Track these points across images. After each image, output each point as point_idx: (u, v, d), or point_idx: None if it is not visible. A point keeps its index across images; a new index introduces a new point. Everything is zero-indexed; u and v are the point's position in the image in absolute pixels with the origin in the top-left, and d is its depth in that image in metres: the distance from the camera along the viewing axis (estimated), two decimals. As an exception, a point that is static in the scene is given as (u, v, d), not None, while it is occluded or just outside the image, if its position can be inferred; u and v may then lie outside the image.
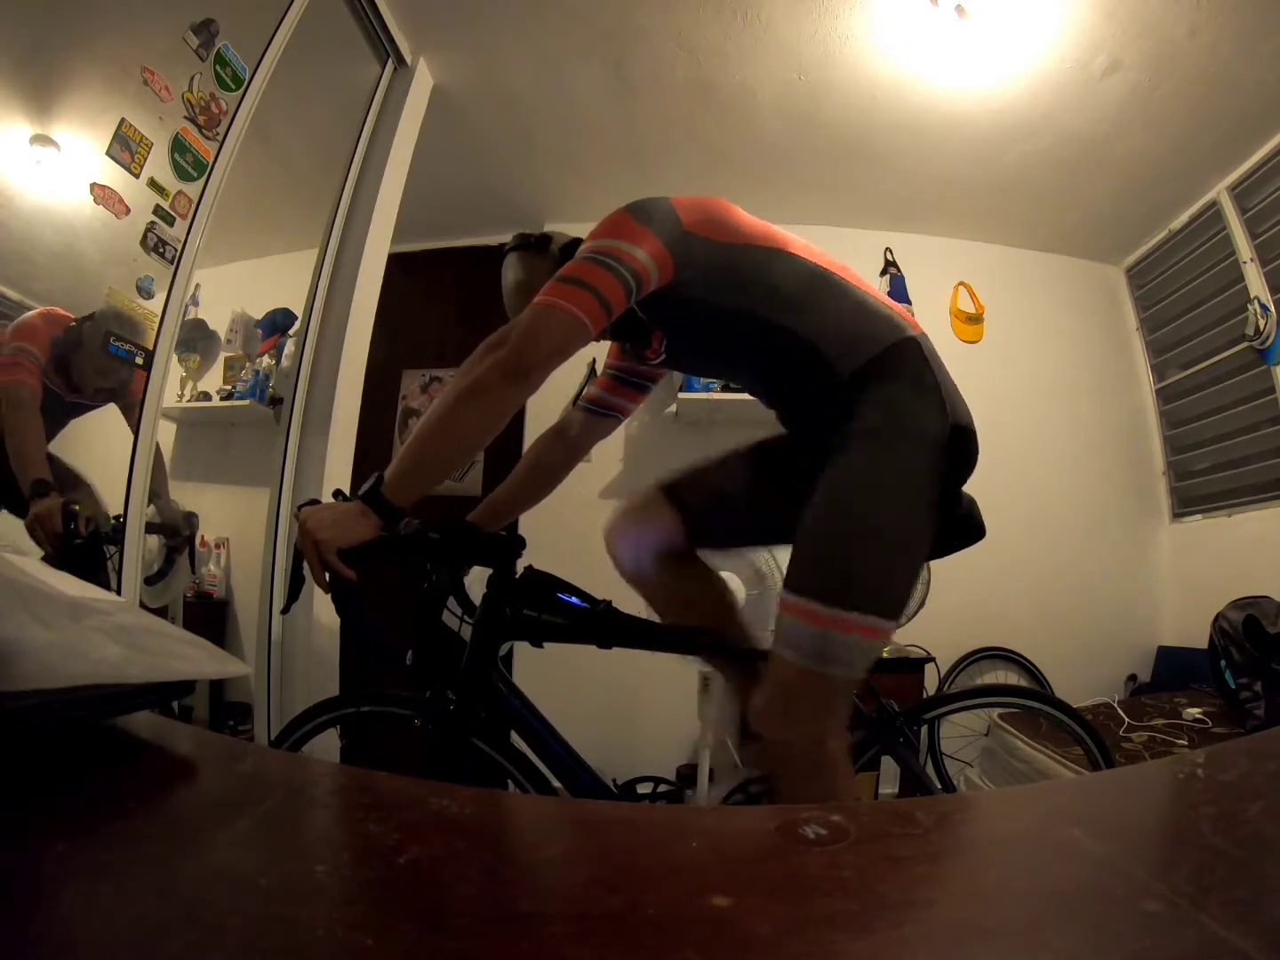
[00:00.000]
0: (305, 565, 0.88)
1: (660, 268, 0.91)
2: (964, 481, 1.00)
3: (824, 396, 0.94)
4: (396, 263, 2.19)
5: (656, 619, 1.20)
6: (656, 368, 1.17)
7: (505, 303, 1.16)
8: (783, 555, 0.96)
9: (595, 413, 1.22)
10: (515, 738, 1.08)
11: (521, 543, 1.10)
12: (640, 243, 0.90)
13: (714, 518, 1.11)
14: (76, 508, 1.28)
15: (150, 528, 1.57)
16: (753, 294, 0.95)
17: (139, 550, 1.45)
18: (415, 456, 0.88)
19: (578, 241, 1.10)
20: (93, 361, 1.38)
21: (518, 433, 2.66)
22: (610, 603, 1.06)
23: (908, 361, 0.93)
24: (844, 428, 0.90)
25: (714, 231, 0.96)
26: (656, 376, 1.22)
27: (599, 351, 2.60)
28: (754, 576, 1.75)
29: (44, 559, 1.21)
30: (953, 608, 2.42)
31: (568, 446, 1.24)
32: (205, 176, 1.55)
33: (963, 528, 1.01)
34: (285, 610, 0.99)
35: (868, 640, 0.84)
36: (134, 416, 1.47)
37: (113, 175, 1.37)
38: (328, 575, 0.86)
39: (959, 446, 0.93)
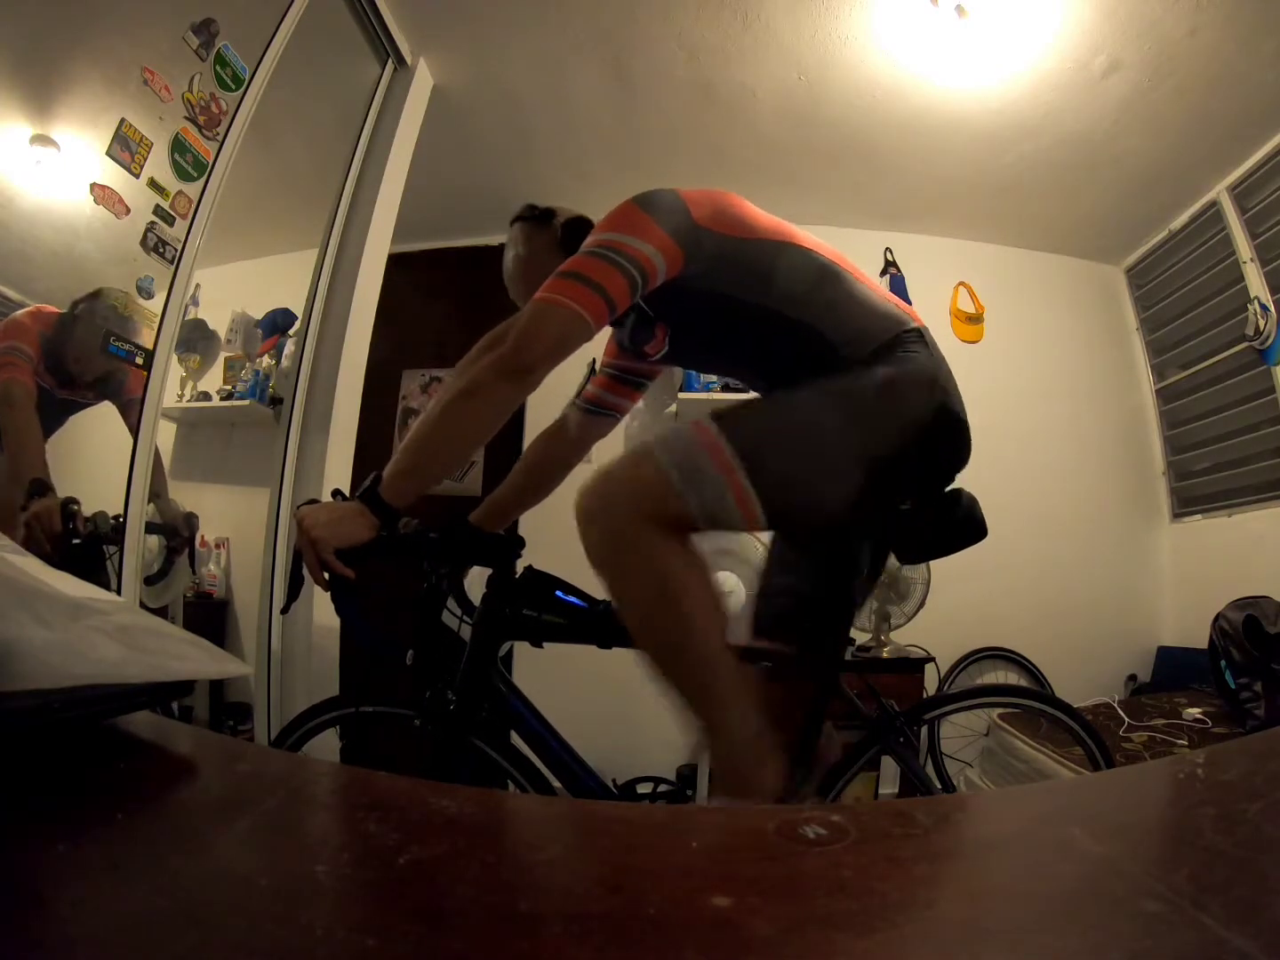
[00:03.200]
0: (304, 565, 0.88)
1: (668, 261, 0.90)
2: (955, 472, 1.00)
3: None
4: (396, 263, 2.19)
5: None
6: (656, 363, 1.16)
7: (504, 272, 1.15)
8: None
9: (593, 412, 1.22)
10: (515, 738, 1.08)
11: (521, 543, 1.10)
12: (647, 236, 0.88)
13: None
14: (75, 507, 1.28)
15: (150, 528, 1.57)
16: (762, 287, 0.94)
17: (139, 550, 1.45)
18: (413, 457, 0.88)
19: (580, 220, 1.09)
20: (85, 348, 1.38)
21: (518, 433, 2.66)
22: (610, 602, 1.06)
23: (909, 346, 0.93)
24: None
25: (723, 225, 0.94)
26: (654, 374, 1.22)
27: (598, 351, 2.61)
28: (754, 576, 1.75)
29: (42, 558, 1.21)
30: (953, 608, 2.42)
31: (566, 446, 1.23)
32: (205, 176, 1.55)
33: (964, 527, 1.00)
34: (285, 610, 0.99)
35: (729, 493, 0.80)
36: (133, 416, 1.47)
37: (113, 175, 1.37)
38: (326, 575, 0.86)
39: (946, 429, 0.93)
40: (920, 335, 0.95)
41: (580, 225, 1.08)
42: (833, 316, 0.94)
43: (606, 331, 1.20)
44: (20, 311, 1.31)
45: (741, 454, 0.81)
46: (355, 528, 0.86)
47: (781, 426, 0.88)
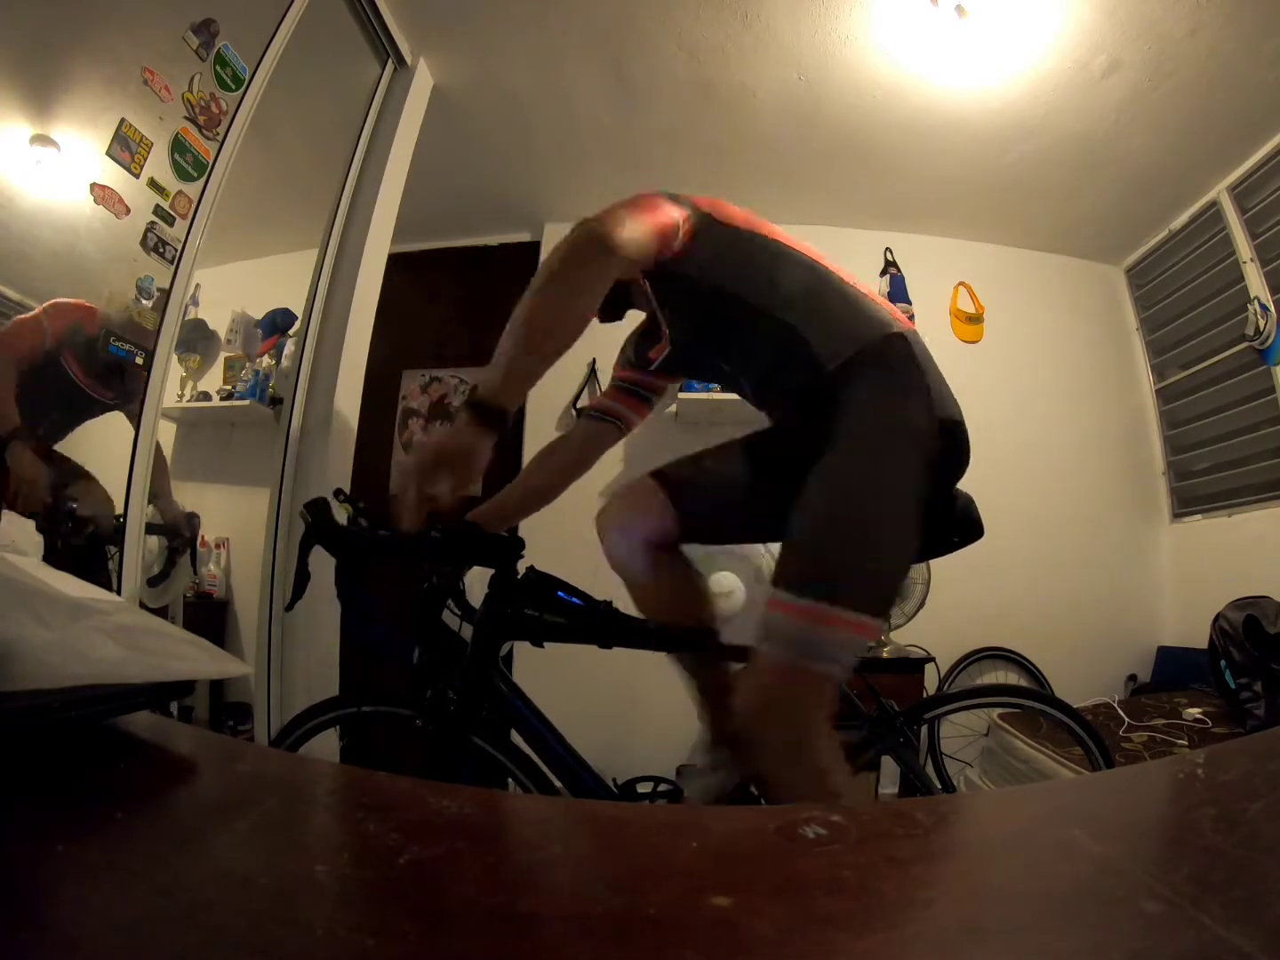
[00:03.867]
0: (310, 562, 0.88)
1: (684, 229, 0.94)
2: (958, 478, 1.00)
3: (811, 390, 0.95)
4: (396, 263, 2.19)
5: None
6: (658, 371, 1.17)
7: None
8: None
9: (598, 419, 1.23)
10: (516, 737, 1.08)
11: (522, 543, 1.10)
12: (671, 205, 0.94)
13: (706, 511, 1.10)
14: (74, 505, 1.28)
15: (151, 528, 1.57)
16: (752, 283, 0.96)
17: (139, 550, 1.45)
18: (510, 347, 0.82)
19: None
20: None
21: (518, 433, 2.66)
22: (611, 602, 1.06)
23: (893, 357, 0.93)
24: (831, 425, 0.90)
25: (723, 216, 0.99)
26: (659, 388, 1.24)
27: (598, 351, 2.61)
28: (754, 576, 1.75)
29: (45, 557, 1.21)
30: (953, 608, 2.42)
31: (572, 454, 1.25)
32: (205, 176, 1.55)
33: (961, 527, 1.01)
34: (289, 608, 0.99)
35: (854, 637, 0.83)
36: (134, 416, 1.47)
37: (113, 175, 1.37)
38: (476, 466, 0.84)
39: (948, 442, 0.93)
40: (905, 340, 0.94)
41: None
42: (812, 317, 0.95)
43: (615, 343, 1.23)
44: (67, 300, 1.35)
45: (858, 604, 0.83)
46: (468, 438, 0.81)
47: (863, 547, 0.87)
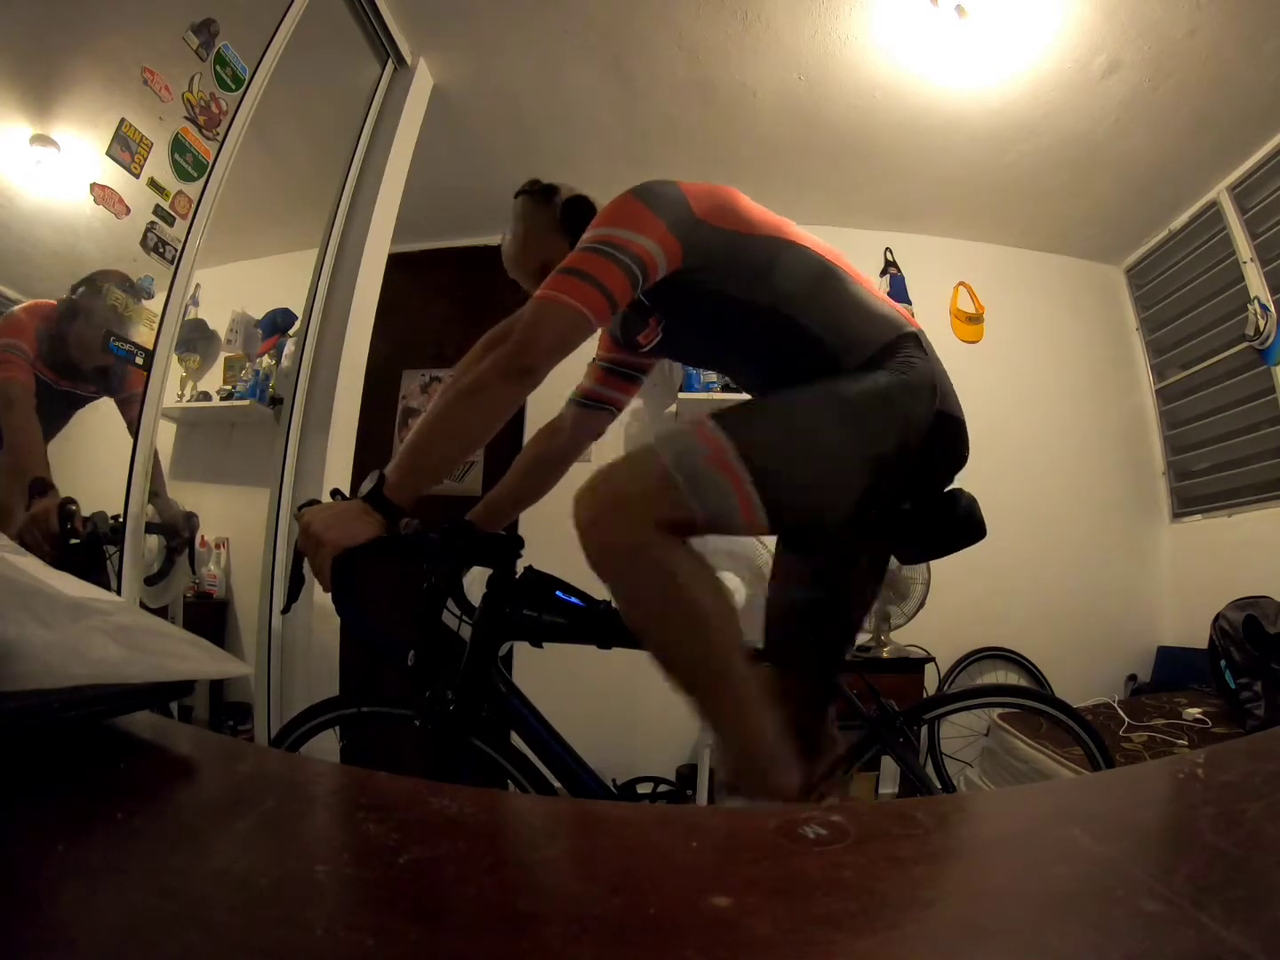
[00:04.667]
0: (305, 565, 0.88)
1: (668, 255, 0.89)
2: (950, 474, 1.00)
3: None
4: (396, 263, 2.19)
5: None
6: (648, 354, 1.15)
7: (502, 249, 1.16)
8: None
9: (588, 406, 1.20)
10: (515, 738, 1.08)
11: (521, 543, 1.10)
12: (647, 230, 0.87)
13: None
14: (74, 507, 1.28)
15: (150, 528, 1.57)
16: (762, 285, 0.93)
17: (139, 550, 1.45)
18: (416, 455, 0.88)
19: (581, 199, 1.10)
20: (85, 336, 1.37)
21: (518, 432, 2.65)
22: (610, 603, 1.06)
23: (906, 351, 0.93)
24: None
25: (724, 220, 0.94)
26: (647, 366, 1.20)
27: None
28: (754, 576, 1.75)
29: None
30: (953, 608, 2.42)
31: (563, 443, 1.23)
32: (205, 176, 1.55)
33: (963, 527, 1.00)
34: (285, 610, 0.99)
35: (733, 496, 0.79)
36: (132, 412, 1.47)
37: (113, 175, 1.37)
38: (330, 576, 0.86)
39: (946, 434, 0.93)
40: (917, 339, 0.95)
41: (580, 205, 1.08)
42: (829, 319, 0.93)
43: None
44: (16, 308, 1.31)
45: (744, 456, 0.80)
46: (360, 526, 0.86)
47: (784, 428, 0.87)
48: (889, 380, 0.89)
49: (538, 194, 1.13)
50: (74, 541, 1.27)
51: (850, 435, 0.86)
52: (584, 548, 0.79)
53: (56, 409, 1.39)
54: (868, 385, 0.89)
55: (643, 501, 0.79)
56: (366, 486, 0.88)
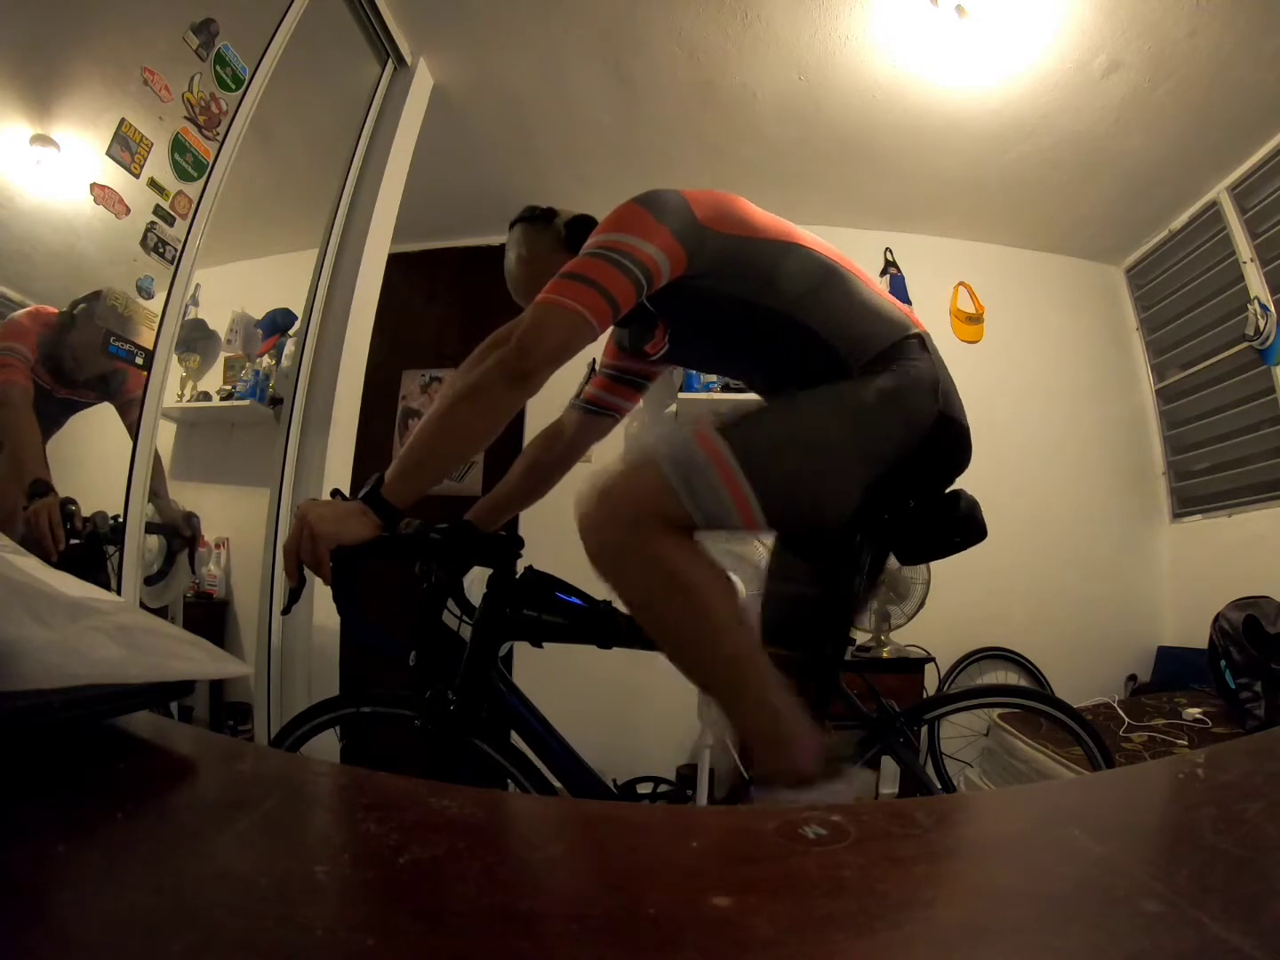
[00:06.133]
0: (303, 560, 0.88)
1: (672, 261, 0.89)
2: (952, 476, 1.00)
3: None
4: (396, 263, 2.19)
5: None
6: (655, 363, 1.16)
7: (506, 275, 1.15)
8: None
9: (592, 412, 1.21)
10: (515, 738, 1.08)
11: (521, 543, 1.10)
12: (650, 236, 0.87)
13: None
14: (74, 507, 1.28)
15: (151, 528, 1.57)
16: (767, 288, 0.93)
17: (139, 550, 1.45)
18: (415, 458, 0.88)
19: (583, 218, 1.09)
20: (84, 348, 1.38)
21: (518, 432, 2.66)
22: (610, 603, 1.05)
23: (911, 352, 0.93)
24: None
25: (727, 224, 0.93)
26: (653, 375, 1.21)
27: (598, 350, 2.61)
28: (754, 576, 1.75)
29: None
30: (953, 608, 2.42)
31: (565, 446, 1.23)
32: (205, 176, 1.55)
33: (964, 528, 1.00)
34: (286, 611, 0.99)
35: (729, 498, 0.79)
36: (132, 415, 1.47)
37: (113, 175, 1.37)
38: (328, 572, 0.86)
39: (947, 436, 0.93)
40: (921, 341, 0.95)
41: (583, 224, 1.07)
42: (835, 321, 0.93)
43: (607, 332, 1.21)
44: (18, 312, 1.31)
45: (742, 459, 0.80)
46: (358, 526, 0.86)
47: (782, 432, 0.87)
48: (889, 384, 0.89)
49: (537, 219, 1.12)
50: (74, 541, 1.27)
51: (848, 437, 0.87)
52: (586, 547, 0.80)
53: (54, 414, 1.39)
54: (867, 390, 0.89)
55: (639, 502, 0.80)
56: (366, 489, 0.88)
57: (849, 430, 0.87)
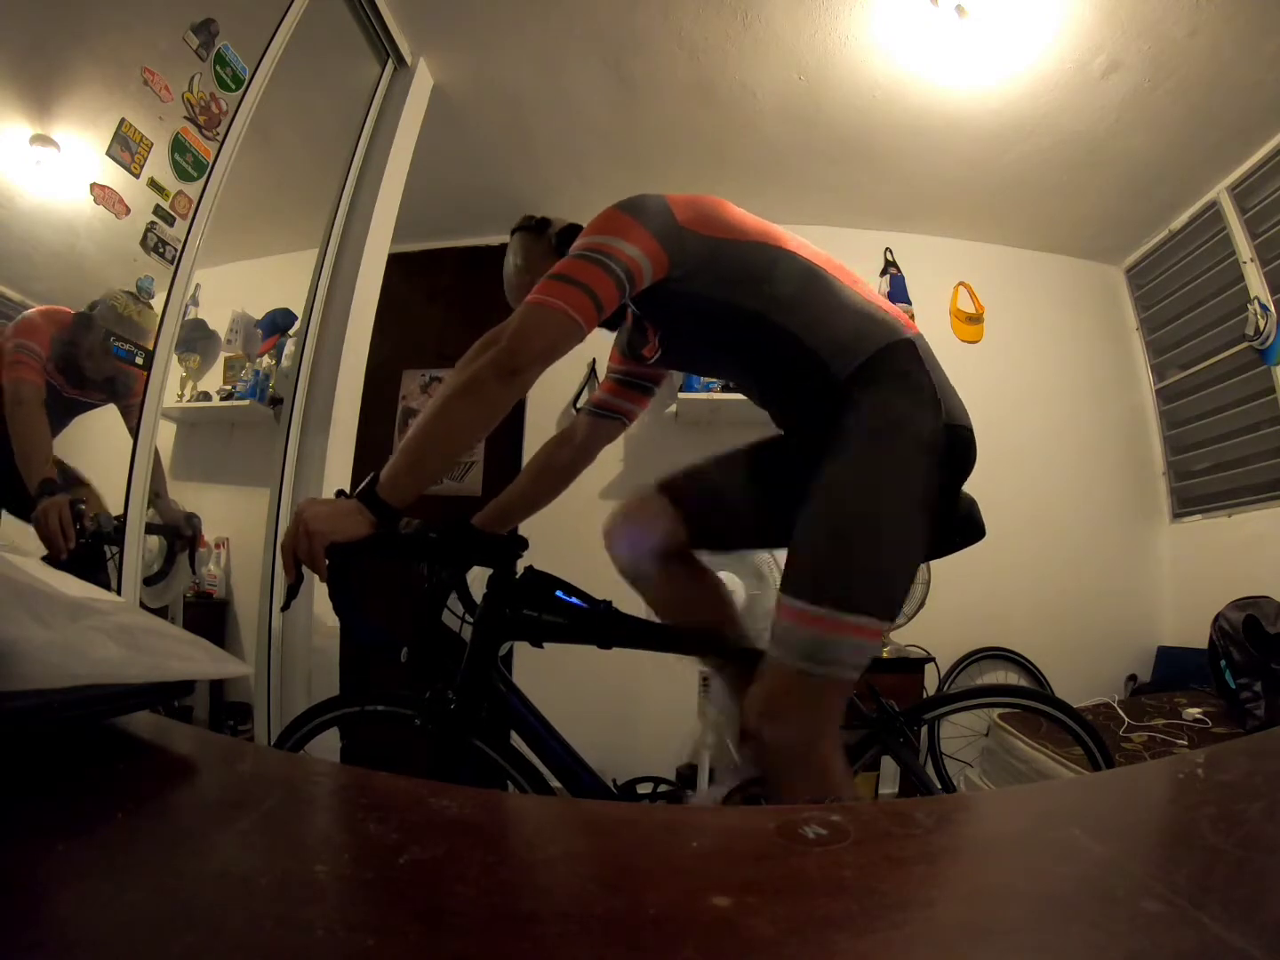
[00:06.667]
0: (299, 557, 0.88)
1: (654, 263, 0.91)
2: (962, 481, 1.00)
3: (819, 398, 0.94)
4: (396, 263, 2.19)
5: (656, 619, 1.20)
6: (655, 367, 1.17)
7: (505, 284, 1.18)
8: (782, 557, 0.96)
9: (600, 416, 1.22)
10: (515, 738, 1.08)
11: (522, 543, 1.10)
12: (632, 238, 0.90)
13: (712, 520, 1.10)
14: (82, 506, 1.28)
15: (152, 528, 1.57)
16: (748, 291, 0.94)
17: (139, 550, 1.45)
18: (408, 456, 0.88)
19: (572, 227, 1.11)
20: (98, 350, 1.38)
21: (517, 432, 2.66)
22: (610, 603, 1.06)
23: (902, 363, 0.93)
24: (838, 430, 0.90)
25: (708, 227, 0.95)
26: (659, 378, 1.23)
27: (598, 351, 2.61)
28: (754, 576, 1.75)
29: (45, 557, 1.21)
30: (953, 608, 2.42)
31: (574, 451, 1.24)
32: (205, 176, 1.55)
33: (963, 528, 1.01)
34: (285, 608, 0.99)
35: (861, 641, 0.83)
36: (133, 417, 1.47)
37: (113, 175, 1.37)
38: (325, 571, 0.87)
39: (955, 447, 0.93)
40: (912, 346, 0.94)
41: (572, 232, 1.09)
42: (816, 325, 0.94)
43: (608, 336, 1.22)
44: (32, 310, 1.32)
45: (867, 607, 0.84)
46: (352, 524, 0.86)
47: (869, 552, 0.87)
48: (895, 415, 0.89)
49: (532, 228, 1.16)
50: (81, 540, 1.27)
51: (900, 506, 0.88)
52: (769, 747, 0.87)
53: (61, 413, 1.39)
54: (880, 442, 0.89)
55: (826, 721, 0.89)
56: (362, 487, 0.89)
57: (895, 498, 0.88)
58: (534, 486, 1.24)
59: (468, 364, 0.94)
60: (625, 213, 0.92)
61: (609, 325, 1.11)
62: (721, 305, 0.95)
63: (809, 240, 1.02)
